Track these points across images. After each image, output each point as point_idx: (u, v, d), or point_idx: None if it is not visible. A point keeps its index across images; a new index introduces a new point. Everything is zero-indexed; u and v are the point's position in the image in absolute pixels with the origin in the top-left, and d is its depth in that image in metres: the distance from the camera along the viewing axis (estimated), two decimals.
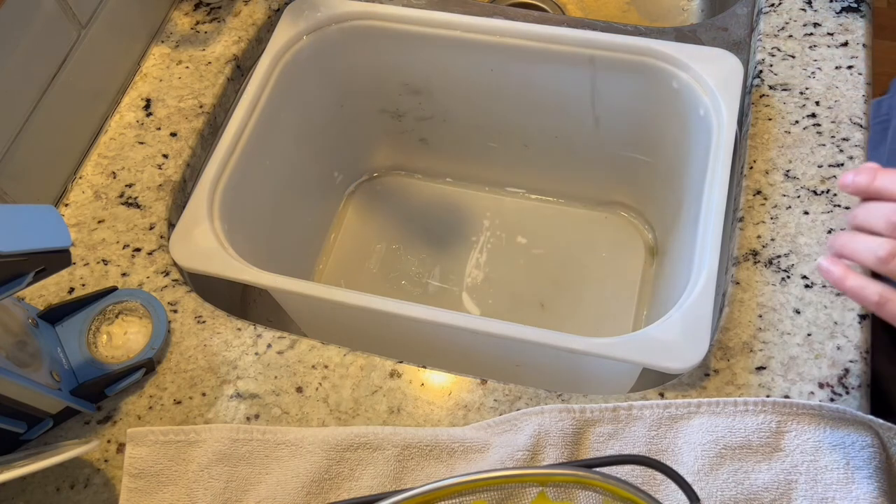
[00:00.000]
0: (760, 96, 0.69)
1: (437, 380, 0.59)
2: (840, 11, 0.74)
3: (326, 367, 0.60)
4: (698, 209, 0.64)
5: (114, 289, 0.62)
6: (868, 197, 0.48)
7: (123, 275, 0.65)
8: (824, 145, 0.66)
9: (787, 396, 0.55)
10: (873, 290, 0.46)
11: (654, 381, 0.59)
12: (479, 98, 0.83)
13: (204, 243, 0.65)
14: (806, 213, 0.63)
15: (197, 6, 0.81)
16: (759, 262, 0.61)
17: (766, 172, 0.65)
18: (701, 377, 0.57)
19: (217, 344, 0.61)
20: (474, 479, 0.45)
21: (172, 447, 0.56)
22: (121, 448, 0.57)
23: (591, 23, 0.78)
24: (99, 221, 0.68)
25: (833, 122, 0.67)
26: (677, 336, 0.57)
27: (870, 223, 0.47)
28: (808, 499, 0.51)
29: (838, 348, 0.57)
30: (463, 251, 0.90)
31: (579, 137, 0.84)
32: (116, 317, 0.61)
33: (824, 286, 0.60)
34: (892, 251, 0.45)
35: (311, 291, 0.63)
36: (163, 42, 0.79)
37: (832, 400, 0.55)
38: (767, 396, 0.55)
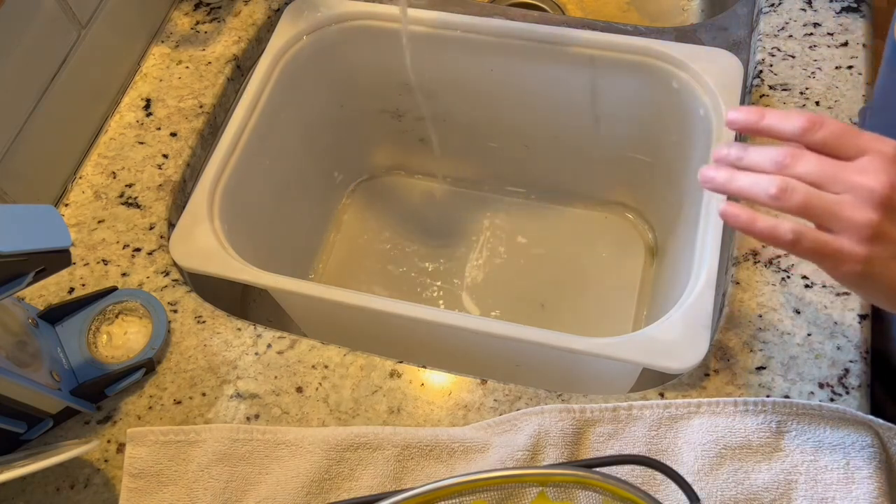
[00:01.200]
0: (760, 96, 0.69)
1: (437, 380, 0.59)
2: (840, 11, 0.74)
3: (326, 367, 0.60)
4: (698, 209, 0.64)
5: (114, 289, 0.62)
6: (756, 134, 0.47)
7: (123, 275, 0.65)
8: None
9: (787, 396, 0.55)
10: (785, 228, 0.44)
11: (654, 381, 0.59)
12: (479, 98, 0.83)
13: (204, 243, 0.65)
14: None
15: (197, 6, 0.81)
16: (759, 262, 0.61)
17: None
18: (701, 377, 0.57)
19: (217, 344, 0.61)
20: (474, 479, 0.45)
21: (172, 447, 0.56)
22: (121, 448, 0.57)
23: (591, 23, 0.78)
24: (99, 221, 0.68)
25: None
26: (677, 336, 0.57)
27: (757, 163, 0.46)
28: (808, 499, 0.51)
29: (838, 348, 0.57)
30: (463, 251, 0.90)
31: (579, 137, 0.84)
32: (116, 317, 0.61)
33: (824, 286, 0.60)
34: (784, 185, 0.44)
35: (311, 291, 0.63)
36: (163, 42, 0.79)
37: (832, 400, 0.55)
38: (767, 396, 0.55)
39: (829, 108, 0.68)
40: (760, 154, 0.46)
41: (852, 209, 0.43)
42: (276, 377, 0.59)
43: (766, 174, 0.45)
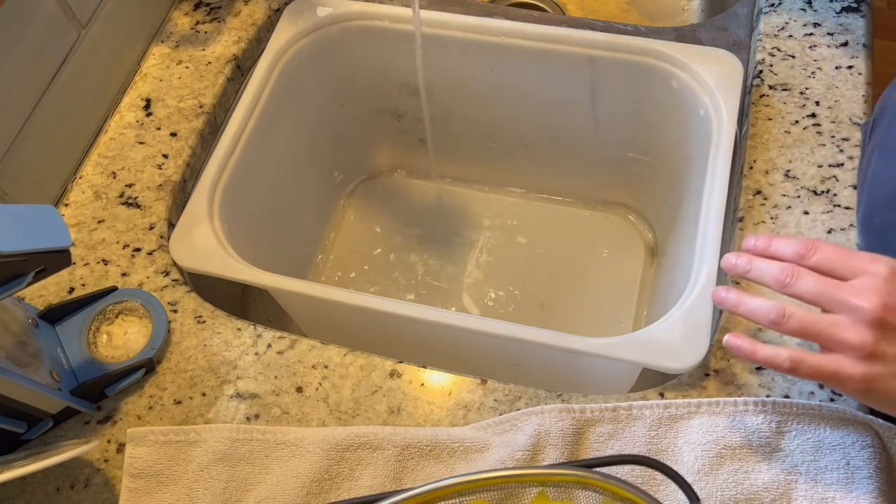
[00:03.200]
0: (760, 96, 0.69)
1: (437, 380, 0.59)
2: (840, 11, 0.74)
3: (326, 367, 0.60)
4: (698, 209, 0.64)
5: (114, 289, 0.62)
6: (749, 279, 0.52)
7: (123, 275, 0.65)
8: (824, 145, 0.66)
9: (787, 396, 0.55)
10: (784, 356, 0.48)
11: (654, 381, 0.59)
12: (479, 98, 0.83)
13: (204, 243, 0.65)
14: (806, 213, 0.63)
15: (197, 6, 0.81)
16: None
17: (766, 172, 0.65)
18: (701, 377, 0.57)
19: (217, 344, 0.61)
20: (474, 479, 0.45)
21: (172, 447, 0.56)
22: (121, 448, 0.57)
23: (591, 23, 0.78)
24: (99, 221, 0.68)
25: (833, 122, 0.67)
26: (677, 336, 0.57)
27: (761, 279, 0.50)
28: (808, 499, 0.51)
29: None
30: (463, 251, 0.90)
31: (579, 137, 0.84)
32: (116, 317, 0.61)
33: None
34: (782, 312, 0.48)
35: (311, 291, 0.63)
36: (163, 42, 0.79)
37: (832, 400, 0.55)
38: (767, 396, 0.55)
39: (830, 107, 0.68)
40: (765, 270, 0.50)
41: (847, 331, 0.46)
42: (276, 377, 0.59)
43: (767, 301, 0.49)
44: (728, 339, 0.51)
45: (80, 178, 0.71)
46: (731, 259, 0.52)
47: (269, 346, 0.61)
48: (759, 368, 0.57)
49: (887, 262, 0.47)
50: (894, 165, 0.58)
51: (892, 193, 0.57)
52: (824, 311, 0.48)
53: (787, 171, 0.65)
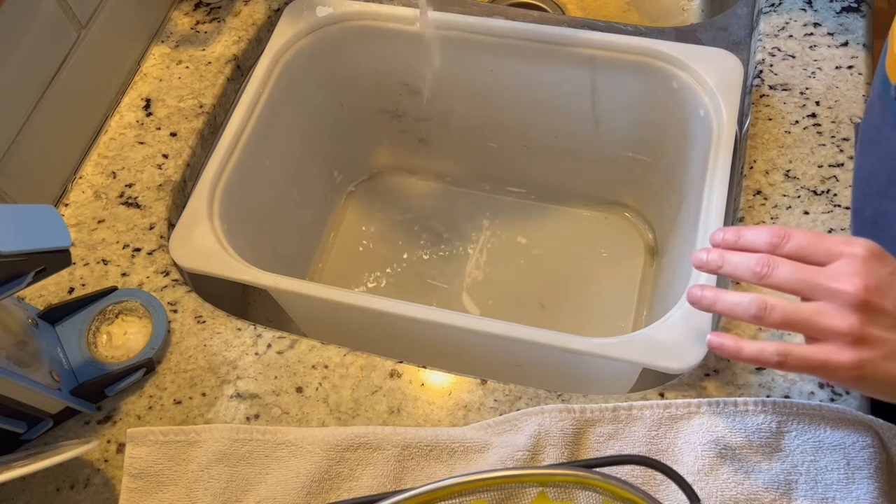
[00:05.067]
0: (760, 96, 0.69)
1: (437, 380, 0.59)
2: (840, 11, 0.74)
3: (326, 367, 0.60)
4: (698, 209, 0.64)
5: (114, 289, 0.62)
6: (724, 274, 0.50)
7: (123, 275, 0.65)
8: (824, 145, 0.66)
9: (787, 396, 0.55)
10: (770, 350, 0.46)
11: (654, 381, 0.59)
12: (479, 98, 0.83)
13: (204, 243, 0.65)
14: (806, 213, 0.63)
15: (197, 6, 0.81)
16: None
17: (766, 172, 0.65)
18: (701, 377, 0.57)
19: (217, 344, 0.61)
20: (474, 479, 0.45)
21: (172, 447, 0.56)
22: (121, 448, 0.57)
23: (591, 23, 0.78)
24: (99, 221, 0.68)
25: (833, 122, 0.67)
26: (677, 336, 0.57)
27: (735, 273, 0.48)
28: (808, 499, 0.51)
29: None
30: (463, 251, 0.90)
31: (579, 137, 0.84)
32: (116, 317, 0.61)
33: None
34: (763, 305, 0.46)
35: (311, 291, 0.63)
36: (163, 42, 0.79)
37: (832, 400, 0.55)
38: (767, 396, 0.55)
39: (830, 107, 0.68)
40: (739, 263, 0.48)
41: (832, 317, 0.44)
42: (276, 377, 0.59)
43: (746, 296, 0.48)
44: (710, 339, 0.50)
45: (80, 178, 0.71)
46: (702, 256, 0.50)
47: (269, 346, 0.61)
48: (759, 368, 0.57)
49: (862, 242, 0.45)
50: (872, 155, 0.57)
51: (872, 184, 0.57)
52: (804, 299, 0.46)
53: (788, 171, 0.65)
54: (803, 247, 0.46)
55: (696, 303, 0.51)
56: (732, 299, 0.48)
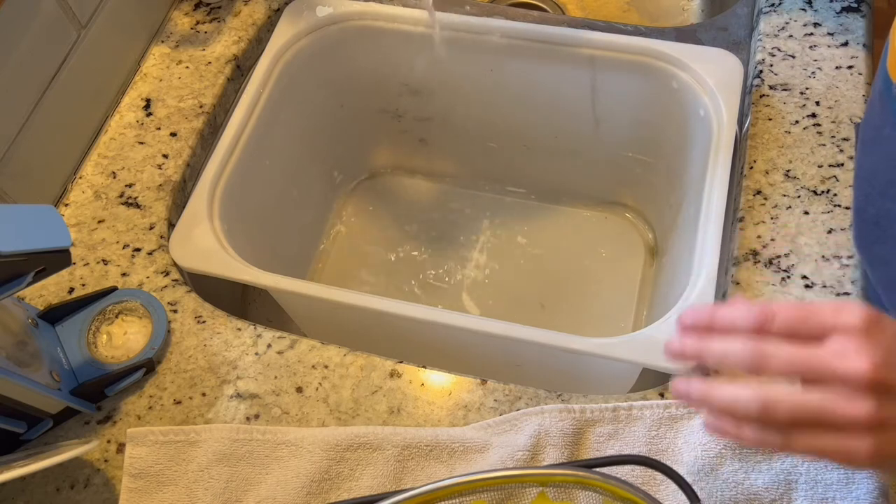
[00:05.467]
0: (760, 96, 0.69)
1: (437, 380, 0.59)
2: (840, 11, 0.74)
3: (326, 367, 0.60)
4: (698, 209, 0.64)
5: (114, 289, 0.62)
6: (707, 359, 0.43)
7: (123, 275, 0.65)
8: (824, 145, 0.66)
9: None
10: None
11: (654, 381, 0.59)
12: (479, 98, 0.83)
13: (204, 243, 0.65)
14: (806, 213, 0.63)
15: (197, 6, 0.81)
16: (759, 262, 0.61)
17: (766, 172, 0.65)
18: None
19: (217, 344, 0.61)
20: (474, 479, 0.45)
21: (172, 447, 0.56)
22: (121, 448, 0.57)
23: (592, 23, 0.78)
24: (99, 221, 0.68)
25: (833, 122, 0.67)
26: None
27: (724, 364, 0.42)
28: (808, 499, 0.51)
29: None
30: (463, 251, 0.90)
31: (579, 137, 0.84)
32: (116, 317, 0.61)
33: (825, 286, 0.60)
34: (765, 404, 0.40)
35: (311, 291, 0.63)
36: (163, 42, 0.79)
37: None
38: None
39: (830, 107, 0.68)
40: (727, 353, 0.41)
41: (844, 405, 0.38)
42: (276, 377, 0.59)
43: (744, 391, 0.41)
44: (710, 424, 0.42)
45: (80, 178, 0.71)
46: (676, 345, 0.44)
47: (269, 346, 0.61)
48: None
49: (854, 310, 0.40)
50: (872, 154, 0.57)
51: (873, 183, 0.57)
52: (804, 382, 0.40)
53: (788, 171, 0.65)
54: (792, 325, 0.40)
55: (684, 398, 0.44)
56: (727, 395, 0.41)
